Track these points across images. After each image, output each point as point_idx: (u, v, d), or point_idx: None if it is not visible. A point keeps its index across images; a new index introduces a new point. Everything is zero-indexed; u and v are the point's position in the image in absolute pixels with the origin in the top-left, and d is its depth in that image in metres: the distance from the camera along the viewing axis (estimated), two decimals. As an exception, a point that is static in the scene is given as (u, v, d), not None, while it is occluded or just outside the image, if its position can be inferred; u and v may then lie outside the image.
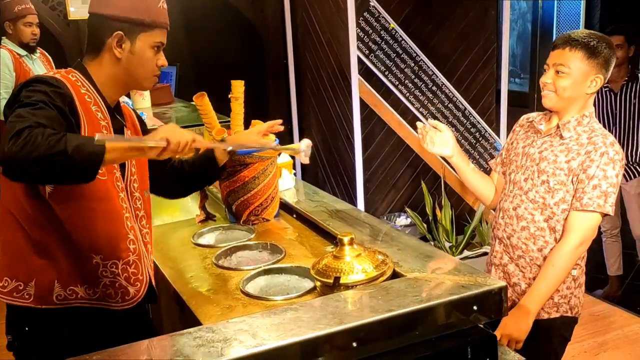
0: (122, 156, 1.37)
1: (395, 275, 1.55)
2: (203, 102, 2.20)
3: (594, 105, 3.57)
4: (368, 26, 3.89)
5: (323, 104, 4.47)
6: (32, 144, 1.20)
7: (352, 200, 4.17)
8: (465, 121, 4.27)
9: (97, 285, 1.52)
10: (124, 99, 2.05)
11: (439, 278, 1.48)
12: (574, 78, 1.82)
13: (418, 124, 2.07)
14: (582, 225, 1.81)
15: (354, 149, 4.06)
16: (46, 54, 3.86)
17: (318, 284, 1.58)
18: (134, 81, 1.60)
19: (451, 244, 3.98)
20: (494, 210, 2.14)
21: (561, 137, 1.88)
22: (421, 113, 4.13)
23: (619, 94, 3.70)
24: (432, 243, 4.00)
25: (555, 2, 7.90)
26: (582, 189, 1.81)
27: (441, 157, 2.14)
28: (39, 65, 3.70)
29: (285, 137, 5.01)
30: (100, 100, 1.53)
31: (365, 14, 3.86)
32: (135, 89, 1.66)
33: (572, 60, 1.81)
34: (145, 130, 1.77)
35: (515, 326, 1.82)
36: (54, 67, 3.68)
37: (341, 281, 1.50)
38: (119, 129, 1.58)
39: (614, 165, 1.80)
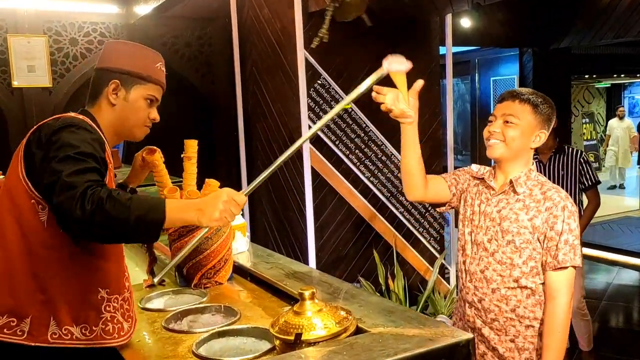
0: (177, 223, 1.46)
1: (358, 331, 1.48)
2: (154, 157, 2.13)
3: None
4: (319, 97, 3.98)
5: (274, 174, 4.44)
6: (100, 210, 1.27)
7: (304, 271, 4.08)
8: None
9: (96, 323, 1.52)
10: None
11: (404, 332, 1.43)
12: (522, 129, 1.86)
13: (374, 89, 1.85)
14: (564, 283, 1.81)
15: (305, 218, 4.02)
16: None
17: (277, 342, 1.49)
18: (126, 128, 1.69)
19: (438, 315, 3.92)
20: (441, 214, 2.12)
21: (515, 192, 1.89)
22: (371, 182, 4.18)
23: (547, 164, 3.78)
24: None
25: (491, 82, 8.42)
26: (555, 246, 1.81)
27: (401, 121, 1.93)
28: None
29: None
30: (107, 142, 1.59)
31: (315, 85, 3.96)
32: (128, 138, 1.75)
33: (521, 112, 1.86)
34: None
35: None
36: None
37: (303, 337, 1.42)
38: None
39: (574, 217, 1.83)
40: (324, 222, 4.07)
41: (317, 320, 1.46)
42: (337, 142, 4.05)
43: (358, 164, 4.14)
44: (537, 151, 3.79)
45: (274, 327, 1.48)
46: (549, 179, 3.71)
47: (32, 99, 4.22)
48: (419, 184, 1.99)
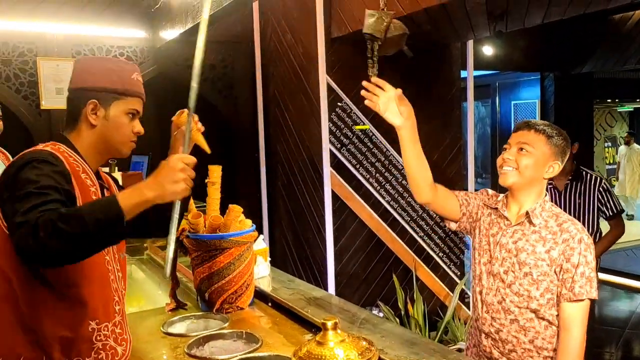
0: (139, 208, 1.36)
1: (381, 362, 1.48)
2: (181, 119, 2.15)
3: None
4: (340, 121, 4.01)
5: (294, 196, 4.49)
6: (55, 231, 1.24)
7: (323, 294, 4.08)
8: (434, 215, 4.32)
9: (89, 354, 1.50)
10: None
11: (427, 365, 1.42)
12: (536, 158, 1.87)
13: (363, 83, 1.95)
14: (579, 315, 1.80)
15: (325, 241, 4.03)
16: (6, 152, 3.51)
17: (300, 372, 1.49)
18: (111, 147, 1.63)
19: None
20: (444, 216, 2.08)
21: (531, 223, 1.89)
22: (391, 206, 4.18)
23: (563, 192, 3.61)
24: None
25: (512, 106, 8.38)
26: (572, 279, 1.80)
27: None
28: None
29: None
30: (87, 167, 1.57)
31: (337, 109, 3.99)
32: (114, 156, 1.69)
33: (535, 142, 1.87)
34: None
35: None
36: (10, 159, 3.42)
37: (325, 369, 1.42)
38: (102, 192, 1.63)
39: (590, 250, 1.82)
40: (343, 245, 4.07)
41: (339, 351, 1.45)
42: (357, 166, 4.07)
43: (378, 187, 4.14)
44: (552, 177, 3.68)
45: (296, 356, 1.49)
46: (565, 207, 3.59)
47: (59, 120, 4.32)
48: (422, 184, 2.02)
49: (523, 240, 1.88)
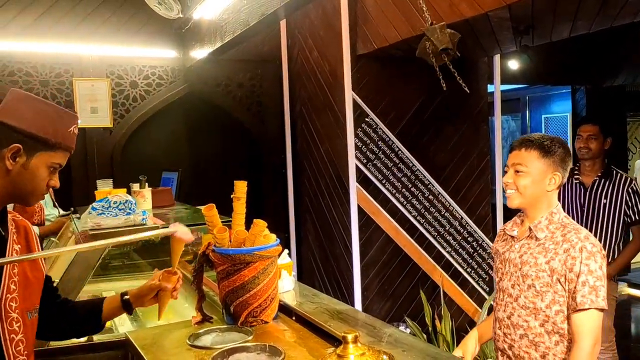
0: None
1: (401, 376, 1.48)
2: (211, 213, 2.23)
3: (564, 195, 3.51)
4: (366, 137, 4.04)
5: (321, 212, 4.52)
6: None
7: (350, 309, 4.08)
8: (462, 230, 4.30)
9: None
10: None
11: (447, 379, 1.42)
12: (532, 176, 1.89)
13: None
14: (586, 326, 1.77)
15: (351, 256, 4.04)
16: None
17: (320, 385, 1.51)
18: (19, 195, 1.46)
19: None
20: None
21: (536, 238, 1.90)
22: (418, 221, 4.17)
23: (589, 189, 3.39)
24: None
25: (543, 120, 8.28)
26: (574, 289, 1.79)
27: None
28: None
29: (282, 245, 5.01)
30: None
31: (363, 125, 4.02)
32: (19, 203, 1.54)
33: (528, 160, 1.89)
34: (40, 246, 1.65)
35: None
36: None
37: (345, 382, 1.43)
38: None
39: (595, 258, 1.79)
40: (370, 260, 4.08)
41: (359, 364, 1.47)
42: (383, 181, 4.08)
43: (405, 202, 4.14)
44: (579, 172, 3.47)
45: (317, 369, 1.51)
46: (590, 206, 3.39)
47: (93, 138, 4.46)
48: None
49: (527, 254, 1.89)
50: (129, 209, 2.24)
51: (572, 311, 1.79)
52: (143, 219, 2.23)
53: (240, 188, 2.33)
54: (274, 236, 2.30)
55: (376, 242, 4.10)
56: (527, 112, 8.66)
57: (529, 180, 1.89)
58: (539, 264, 1.85)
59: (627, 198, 3.31)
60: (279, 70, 4.86)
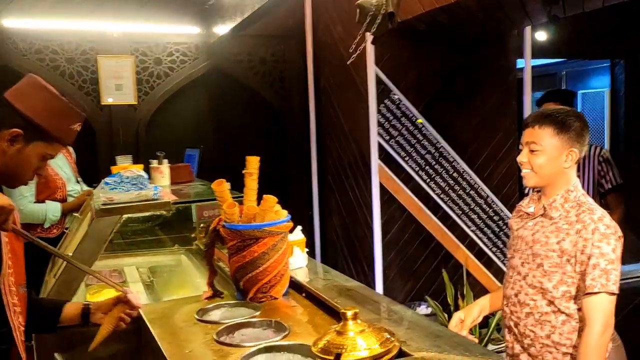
0: None
1: (401, 354, 1.45)
2: (221, 188, 2.21)
3: None
4: (389, 113, 3.96)
5: (343, 190, 4.48)
6: None
7: (371, 287, 4.05)
8: (488, 209, 4.20)
9: None
10: None
11: (448, 358, 1.38)
12: (547, 155, 1.81)
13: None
14: (596, 310, 1.70)
15: (373, 235, 4.00)
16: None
17: (320, 362, 1.48)
18: (6, 176, 1.49)
19: (473, 336, 3.77)
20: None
21: (550, 217, 1.83)
22: (442, 199, 4.09)
23: None
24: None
25: (580, 96, 8.00)
26: (585, 271, 1.73)
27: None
28: (58, 158, 3.37)
29: (305, 224, 4.99)
30: None
31: (386, 101, 3.94)
32: (3, 184, 1.55)
33: (542, 137, 1.81)
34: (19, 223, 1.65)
35: None
36: (73, 155, 3.52)
37: (343, 358, 1.40)
38: None
39: (608, 240, 1.71)
40: (391, 239, 4.03)
41: (358, 341, 1.44)
42: (406, 158, 4.00)
43: (428, 180, 4.06)
44: None
45: (316, 345, 1.48)
46: None
47: (118, 115, 4.51)
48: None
49: (540, 232, 1.83)
50: (141, 184, 2.25)
51: (582, 294, 1.73)
52: (155, 194, 2.23)
53: (252, 163, 2.30)
54: (285, 212, 2.27)
55: (398, 220, 4.04)
56: (564, 87, 8.37)
57: (545, 159, 1.81)
58: (550, 244, 1.79)
59: (599, 167, 3.19)
60: (302, 45, 4.80)
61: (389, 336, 1.48)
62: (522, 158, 1.87)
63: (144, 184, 2.25)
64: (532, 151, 1.84)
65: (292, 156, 5.09)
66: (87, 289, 2.61)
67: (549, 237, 1.80)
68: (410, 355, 1.43)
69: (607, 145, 7.21)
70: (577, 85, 8.20)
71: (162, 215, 3.30)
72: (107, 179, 2.28)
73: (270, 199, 2.21)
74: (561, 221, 1.80)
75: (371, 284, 4.05)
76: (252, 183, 2.30)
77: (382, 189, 3.96)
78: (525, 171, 1.88)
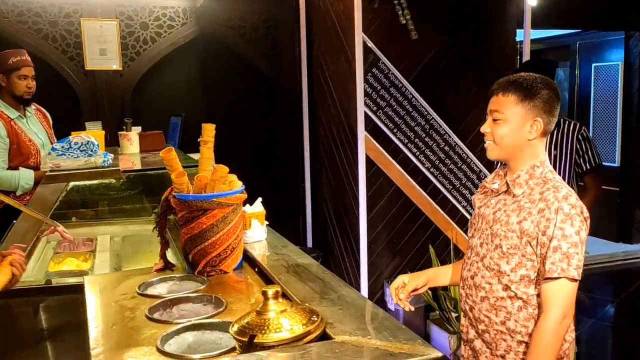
0: None
1: (324, 336, 1.34)
2: (170, 156, 2.11)
3: None
4: (377, 82, 3.80)
5: (334, 162, 4.35)
6: None
7: (356, 262, 3.95)
8: (479, 184, 4.04)
9: None
10: None
11: (369, 343, 1.27)
12: (510, 124, 1.65)
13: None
14: (555, 295, 1.57)
15: (358, 209, 3.88)
16: (42, 109, 3.45)
17: (237, 343, 1.39)
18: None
19: (457, 314, 3.66)
20: None
21: (513, 195, 1.68)
22: (432, 173, 3.94)
23: None
24: (437, 313, 3.70)
25: (593, 69, 7.70)
26: (546, 254, 1.58)
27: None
28: (32, 123, 3.26)
29: (297, 195, 4.89)
30: None
31: (374, 70, 3.78)
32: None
33: (505, 106, 1.66)
34: None
35: None
36: (50, 121, 3.48)
37: (259, 340, 1.30)
38: None
39: (572, 221, 1.56)
40: (377, 213, 3.91)
41: (278, 321, 1.33)
42: (395, 130, 3.86)
43: (418, 153, 3.92)
44: None
45: (234, 326, 1.38)
46: None
47: (103, 81, 4.39)
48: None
49: (502, 211, 1.68)
50: (90, 151, 2.15)
51: (542, 279, 1.59)
52: (104, 161, 2.13)
53: (208, 131, 2.20)
54: (239, 183, 2.16)
55: (385, 194, 3.91)
56: (577, 60, 8.06)
57: (507, 129, 1.66)
58: (510, 223, 1.65)
59: (578, 146, 3.00)
60: (296, 11, 4.62)
61: (311, 317, 1.38)
62: (484, 128, 1.74)
63: (93, 150, 2.15)
64: (495, 120, 1.69)
65: (284, 124, 4.94)
66: (52, 258, 2.55)
67: (510, 215, 1.67)
68: (332, 339, 1.32)
69: (619, 120, 6.94)
70: (591, 58, 7.87)
71: (143, 183, 3.22)
72: (55, 145, 2.19)
73: (221, 169, 2.10)
74: (524, 199, 1.66)
75: (356, 258, 3.95)
76: (207, 152, 2.20)
77: (369, 161, 3.83)
78: (487, 143, 1.74)
